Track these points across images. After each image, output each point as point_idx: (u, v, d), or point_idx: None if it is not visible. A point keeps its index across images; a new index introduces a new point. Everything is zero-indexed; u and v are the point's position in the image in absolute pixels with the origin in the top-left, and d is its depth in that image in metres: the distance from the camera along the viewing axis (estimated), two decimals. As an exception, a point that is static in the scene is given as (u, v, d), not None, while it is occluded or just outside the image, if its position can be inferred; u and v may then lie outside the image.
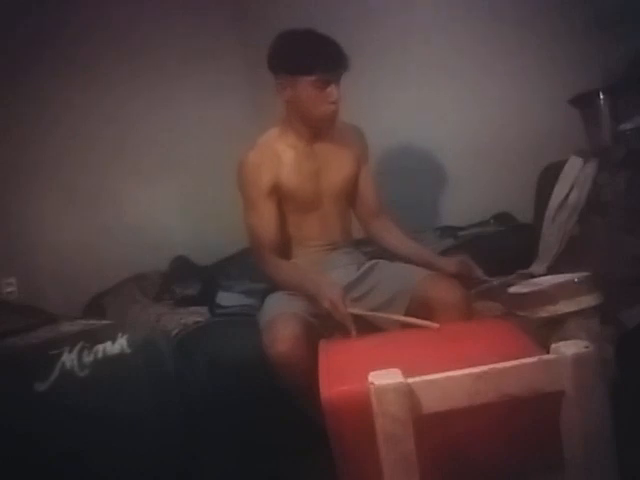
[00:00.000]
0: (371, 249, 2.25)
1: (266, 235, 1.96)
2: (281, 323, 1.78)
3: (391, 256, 2.11)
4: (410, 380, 1.14)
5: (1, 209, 2.59)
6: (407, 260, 2.02)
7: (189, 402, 1.81)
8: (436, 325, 1.67)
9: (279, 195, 1.98)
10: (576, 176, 2.28)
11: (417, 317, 1.76)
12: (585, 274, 1.75)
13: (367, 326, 1.83)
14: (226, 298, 2.42)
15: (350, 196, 2.11)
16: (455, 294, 1.80)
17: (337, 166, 2.05)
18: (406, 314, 1.82)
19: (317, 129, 2.00)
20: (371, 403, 1.13)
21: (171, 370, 1.83)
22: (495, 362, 1.17)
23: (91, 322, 1.96)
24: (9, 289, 2.58)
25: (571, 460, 1.18)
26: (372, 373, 1.16)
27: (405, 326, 1.79)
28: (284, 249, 2.03)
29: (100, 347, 1.70)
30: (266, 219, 1.96)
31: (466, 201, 2.75)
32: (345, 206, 2.11)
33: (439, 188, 2.84)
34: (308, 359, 1.65)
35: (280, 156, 1.99)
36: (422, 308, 1.80)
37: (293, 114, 1.98)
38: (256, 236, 1.98)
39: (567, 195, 2.29)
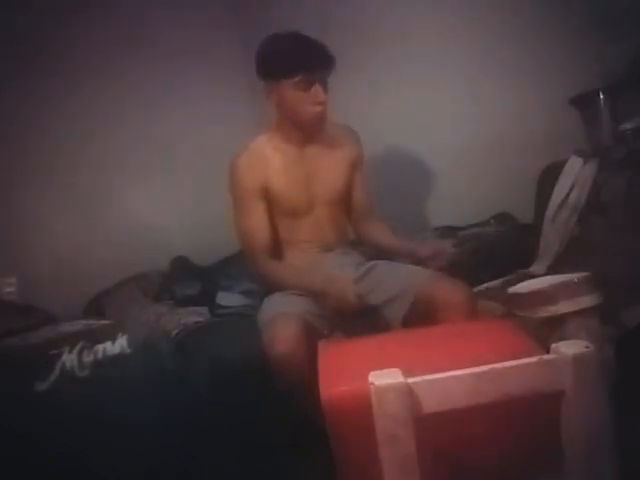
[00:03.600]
0: (370, 249, 2.25)
1: (258, 237, 1.97)
2: (281, 323, 1.78)
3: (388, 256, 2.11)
4: (410, 380, 1.14)
5: (0, 209, 2.58)
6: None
7: (189, 402, 1.81)
8: None
9: (269, 198, 1.99)
10: (576, 176, 2.28)
11: (421, 316, 1.76)
12: (585, 274, 1.76)
13: (367, 326, 1.83)
14: (226, 298, 2.42)
15: (344, 201, 2.11)
16: (460, 294, 1.81)
17: (329, 171, 2.04)
18: (410, 313, 1.83)
19: (307, 132, 2.00)
20: (371, 403, 1.14)
21: (171, 370, 1.83)
22: (495, 362, 1.17)
23: (91, 322, 1.96)
24: (9, 289, 2.56)
25: (571, 460, 1.18)
26: (372, 373, 1.16)
27: (406, 326, 1.80)
28: (276, 251, 2.03)
29: (100, 347, 1.70)
30: (257, 221, 1.97)
31: (466, 201, 2.75)
32: (338, 210, 2.11)
33: (439, 188, 2.84)
34: (307, 359, 1.65)
35: (269, 160, 1.99)
36: (426, 308, 1.81)
37: (283, 118, 1.99)
38: (248, 239, 1.99)
39: (567, 195, 2.28)
